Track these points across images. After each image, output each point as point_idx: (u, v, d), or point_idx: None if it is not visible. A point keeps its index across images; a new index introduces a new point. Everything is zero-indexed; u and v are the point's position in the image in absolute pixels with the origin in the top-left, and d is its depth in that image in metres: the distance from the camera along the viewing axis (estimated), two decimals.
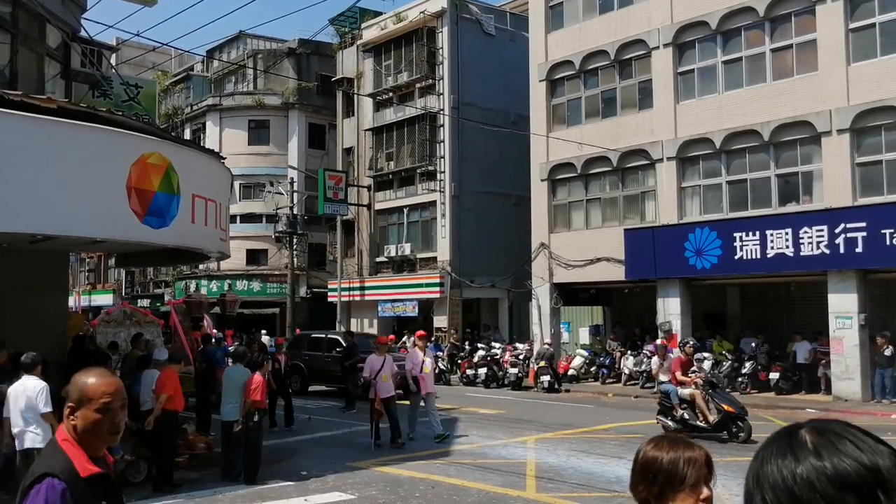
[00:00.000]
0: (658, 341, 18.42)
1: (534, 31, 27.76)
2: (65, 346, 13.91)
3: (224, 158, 14.72)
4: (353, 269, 35.64)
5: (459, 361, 27.30)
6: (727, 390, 16.29)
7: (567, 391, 23.82)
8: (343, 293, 34.98)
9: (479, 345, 27.36)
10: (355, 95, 36.08)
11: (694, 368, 15.04)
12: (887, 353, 19.12)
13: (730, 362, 22.17)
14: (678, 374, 14.61)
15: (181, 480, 11.22)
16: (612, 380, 25.38)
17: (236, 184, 33.86)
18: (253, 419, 11.32)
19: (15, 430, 8.66)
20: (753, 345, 22.12)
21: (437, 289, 31.11)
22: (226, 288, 34.94)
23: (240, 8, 52.80)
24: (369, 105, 35.54)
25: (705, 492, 2.05)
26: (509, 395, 23.20)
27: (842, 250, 19.39)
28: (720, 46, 22.51)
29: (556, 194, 26.88)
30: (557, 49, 26.68)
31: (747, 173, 21.89)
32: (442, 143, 32.03)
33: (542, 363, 23.83)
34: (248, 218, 40.70)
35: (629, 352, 25.09)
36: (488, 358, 25.71)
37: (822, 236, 19.72)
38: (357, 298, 34.96)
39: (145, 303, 42.38)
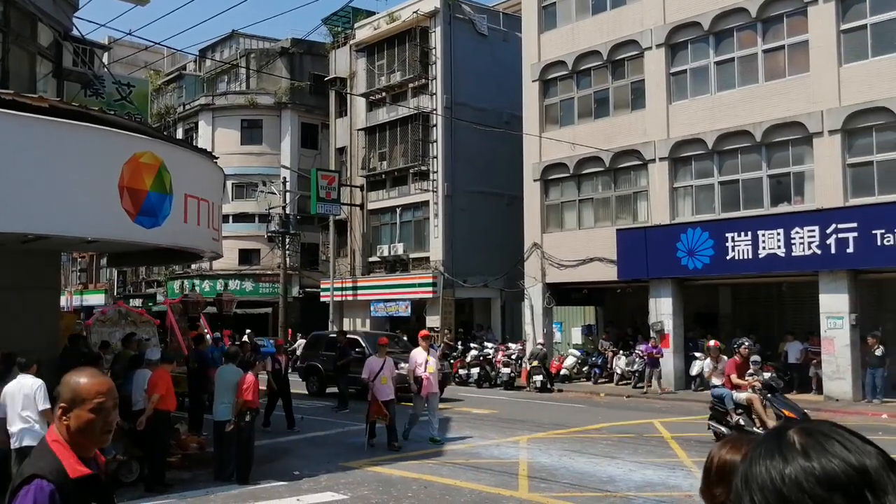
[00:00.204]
0: (711, 342, 16.38)
1: (527, 32, 27.79)
2: (57, 346, 13.87)
3: (216, 158, 14.67)
4: (345, 268, 35.61)
5: (452, 361, 27.30)
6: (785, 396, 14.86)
7: (559, 391, 23.85)
8: (336, 293, 34.95)
9: (472, 345, 27.37)
10: (348, 95, 36.07)
11: (751, 371, 13.86)
12: (878, 352, 19.20)
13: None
14: (733, 377, 13.53)
15: (173, 480, 11.19)
16: (604, 380, 25.43)
17: (229, 183, 33.74)
18: (245, 419, 11.30)
19: (12, 429, 8.68)
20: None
21: (430, 289, 31.12)
22: (218, 287, 34.90)
23: (232, 7, 52.83)
24: (362, 105, 35.52)
25: None
26: (502, 394, 23.22)
27: (833, 250, 19.47)
28: (712, 47, 22.57)
29: (548, 194, 26.91)
30: (550, 49, 26.71)
31: (739, 174, 21.96)
32: (435, 143, 32.03)
33: (535, 363, 23.86)
34: (241, 218, 40.63)
35: (621, 352, 25.15)
36: (481, 358, 25.73)
37: (814, 237, 19.80)
38: (350, 298, 34.93)
39: (137, 302, 42.22)
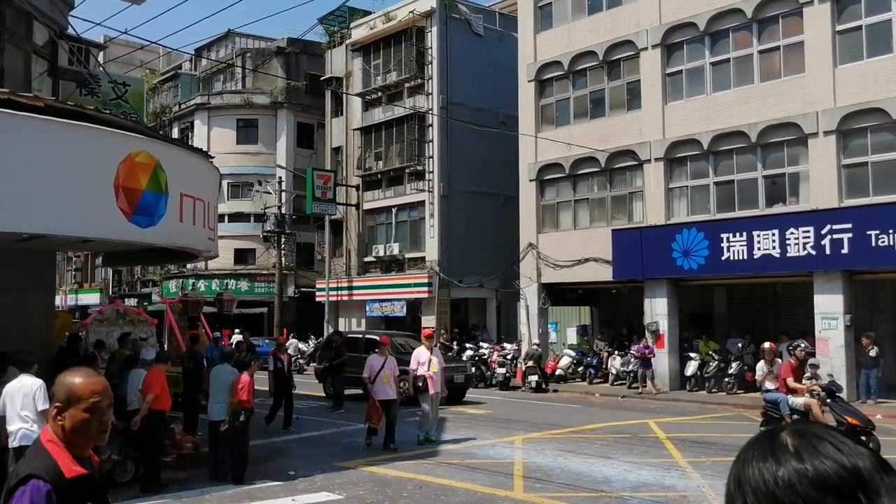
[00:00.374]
0: (766, 344, 14.80)
1: (523, 32, 27.79)
2: (52, 345, 13.85)
3: (212, 157, 14.66)
4: (341, 268, 35.58)
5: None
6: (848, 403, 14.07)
7: (555, 391, 23.87)
8: (331, 293, 34.92)
9: (468, 345, 27.38)
10: (344, 95, 36.04)
11: (808, 374, 13.30)
12: (872, 353, 19.25)
13: (716, 362, 22.26)
14: (790, 381, 12.91)
15: (168, 480, 11.18)
16: (599, 380, 25.44)
17: (224, 183, 33.80)
18: (239, 419, 11.29)
19: (10, 428, 8.69)
20: (740, 345, 22.23)
21: (426, 289, 31.10)
22: (214, 287, 34.85)
23: (228, 7, 52.75)
24: (358, 104, 35.50)
25: None
26: (497, 394, 23.23)
27: (828, 251, 19.51)
28: (708, 48, 22.60)
29: (544, 194, 26.93)
30: (546, 49, 26.72)
31: (734, 174, 21.99)
32: (431, 143, 32.02)
33: (530, 363, 23.87)
34: (237, 217, 40.61)
35: (616, 352, 25.17)
36: (476, 358, 25.73)
37: (809, 237, 19.84)
38: (345, 298, 34.90)
39: (132, 302, 42.16)
